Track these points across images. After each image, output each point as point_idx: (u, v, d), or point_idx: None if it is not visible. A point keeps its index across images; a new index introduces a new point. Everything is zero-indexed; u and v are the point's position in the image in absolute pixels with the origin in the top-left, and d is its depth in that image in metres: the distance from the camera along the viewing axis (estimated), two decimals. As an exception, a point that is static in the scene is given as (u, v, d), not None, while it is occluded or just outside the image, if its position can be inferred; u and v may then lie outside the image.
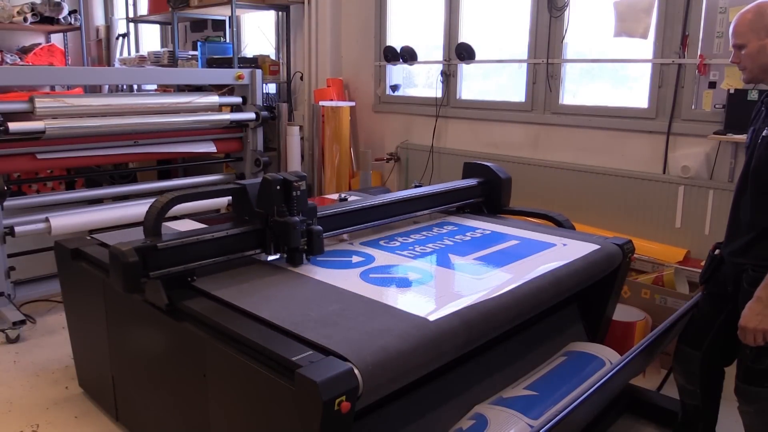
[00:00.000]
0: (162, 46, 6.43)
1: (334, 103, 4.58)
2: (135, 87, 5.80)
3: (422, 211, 2.84)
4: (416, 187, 2.98)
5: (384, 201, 2.63)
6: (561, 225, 2.84)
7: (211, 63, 5.10)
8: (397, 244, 2.50)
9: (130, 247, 1.84)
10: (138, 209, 3.91)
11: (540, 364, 2.28)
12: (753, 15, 1.84)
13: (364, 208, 2.55)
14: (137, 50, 6.76)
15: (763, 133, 1.87)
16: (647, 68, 3.34)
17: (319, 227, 2.21)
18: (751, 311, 1.82)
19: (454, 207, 3.00)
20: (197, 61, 5.26)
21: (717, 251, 2.13)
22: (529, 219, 2.99)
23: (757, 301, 1.81)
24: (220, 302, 1.88)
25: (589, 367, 2.23)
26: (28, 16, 5.66)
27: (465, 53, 4.07)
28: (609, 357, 2.30)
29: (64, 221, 3.54)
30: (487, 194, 3.04)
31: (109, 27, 7.22)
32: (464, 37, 4.18)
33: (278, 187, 2.13)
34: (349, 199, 2.99)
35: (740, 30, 1.87)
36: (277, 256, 2.24)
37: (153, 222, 1.99)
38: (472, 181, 3.02)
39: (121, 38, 6.97)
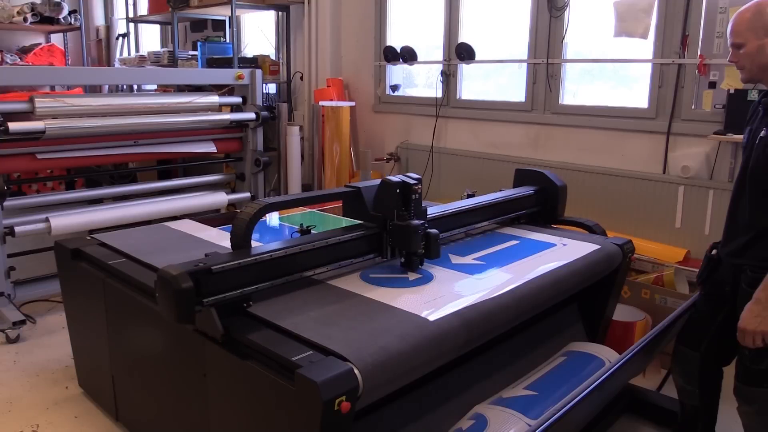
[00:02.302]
0: (162, 46, 6.43)
1: (334, 103, 4.58)
2: (135, 87, 5.80)
3: (481, 223, 2.63)
4: (469, 196, 2.75)
5: (444, 212, 2.43)
6: (594, 232, 2.71)
7: (211, 63, 5.10)
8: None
9: (183, 271, 1.62)
10: (138, 209, 3.92)
11: (540, 364, 2.28)
12: (751, 14, 1.83)
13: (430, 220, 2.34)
14: (137, 50, 6.77)
15: (761, 134, 1.87)
16: (647, 68, 3.34)
17: (436, 231, 2.12)
18: (750, 313, 1.82)
19: (508, 218, 2.79)
20: (197, 61, 5.26)
21: (714, 251, 2.13)
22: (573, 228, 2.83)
23: (756, 302, 1.81)
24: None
25: (589, 367, 2.23)
26: (28, 16, 5.66)
27: (465, 53, 4.07)
28: (609, 357, 2.30)
29: (64, 221, 3.55)
30: (543, 203, 2.85)
31: (109, 27, 7.22)
32: (464, 37, 4.18)
33: (398, 191, 2.08)
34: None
35: (738, 29, 1.86)
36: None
37: (243, 232, 1.86)
38: (528, 190, 2.82)
39: (121, 38, 6.97)
